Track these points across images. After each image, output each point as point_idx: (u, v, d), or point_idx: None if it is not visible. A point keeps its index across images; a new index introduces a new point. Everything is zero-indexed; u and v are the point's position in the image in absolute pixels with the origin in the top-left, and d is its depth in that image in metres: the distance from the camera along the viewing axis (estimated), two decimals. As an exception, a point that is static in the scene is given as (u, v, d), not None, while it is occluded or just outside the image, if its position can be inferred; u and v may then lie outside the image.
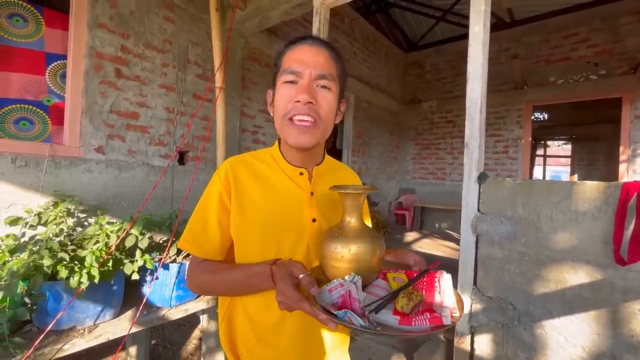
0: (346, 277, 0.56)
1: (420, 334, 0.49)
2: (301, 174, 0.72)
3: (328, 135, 0.71)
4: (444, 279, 0.59)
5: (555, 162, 12.09)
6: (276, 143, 0.77)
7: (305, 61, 0.65)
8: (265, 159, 0.75)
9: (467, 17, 1.67)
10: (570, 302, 1.37)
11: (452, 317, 0.51)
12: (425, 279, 0.61)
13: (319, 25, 2.29)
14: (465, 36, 1.68)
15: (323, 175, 0.76)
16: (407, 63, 6.83)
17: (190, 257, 0.72)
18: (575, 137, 8.51)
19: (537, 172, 9.99)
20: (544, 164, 9.91)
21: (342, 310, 0.48)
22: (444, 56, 6.31)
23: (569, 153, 9.28)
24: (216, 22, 2.27)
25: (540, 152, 9.81)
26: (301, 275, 0.53)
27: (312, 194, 0.72)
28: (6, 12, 1.95)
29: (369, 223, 0.86)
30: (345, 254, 0.58)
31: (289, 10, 2.77)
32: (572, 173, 8.72)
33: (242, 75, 3.40)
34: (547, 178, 10.48)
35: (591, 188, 1.33)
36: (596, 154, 8.13)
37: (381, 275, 0.64)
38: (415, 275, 0.62)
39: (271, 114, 0.73)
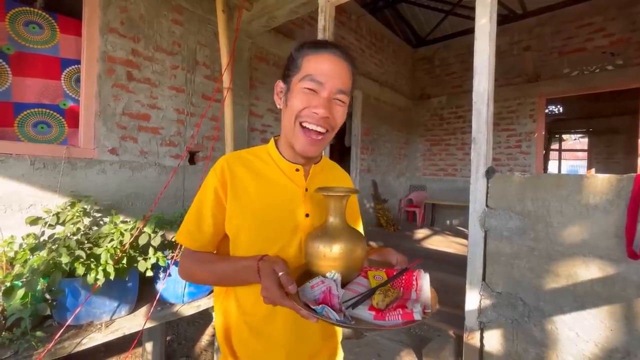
0: (327, 275, 0.60)
1: (393, 328, 0.53)
2: (297, 170, 0.74)
3: (330, 141, 0.74)
4: (421, 278, 0.62)
5: (572, 156, 11.78)
6: (272, 140, 0.78)
7: (330, 74, 0.66)
8: (261, 156, 0.76)
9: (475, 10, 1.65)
10: (581, 297, 1.35)
11: (424, 312, 0.54)
12: (404, 277, 0.64)
13: (324, 23, 2.29)
14: (474, 29, 1.66)
15: (319, 173, 0.78)
16: (415, 59, 6.76)
17: (184, 248, 0.75)
18: (592, 130, 8.27)
19: (553, 167, 9.75)
20: (560, 158, 9.66)
21: (320, 306, 0.51)
22: (453, 50, 6.22)
23: (585, 147, 9.02)
24: (223, 23, 2.30)
25: (555, 146, 9.56)
26: (280, 274, 0.55)
27: (306, 190, 0.73)
28: (23, 20, 2.03)
29: (359, 222, 0.89)
30: (327, 253, 0.61)
31: (294, 9, 2.79)
32: (589, 167, 8.48)
33: (250, 74, 3.44)
34: (564, 172, 10.21)
35: (602, 181, 1.31)
36: (614, 147, 7.88)
37: (362, 273, 0.67)
38: (394, 273, 0.65)
39: (278, 105, 0.73)
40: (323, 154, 0.83)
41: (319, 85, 0.66)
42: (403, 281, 0.63)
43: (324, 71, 0.66)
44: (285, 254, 0.69)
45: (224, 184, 0.70)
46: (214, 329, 2.47)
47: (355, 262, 0.63)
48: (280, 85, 0.73)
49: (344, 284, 0.61)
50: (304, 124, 0.67)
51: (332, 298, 0.55)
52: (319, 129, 0.66)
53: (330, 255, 0.61)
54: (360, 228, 0.88)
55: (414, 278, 0.63)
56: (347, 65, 0.69)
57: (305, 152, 0.68)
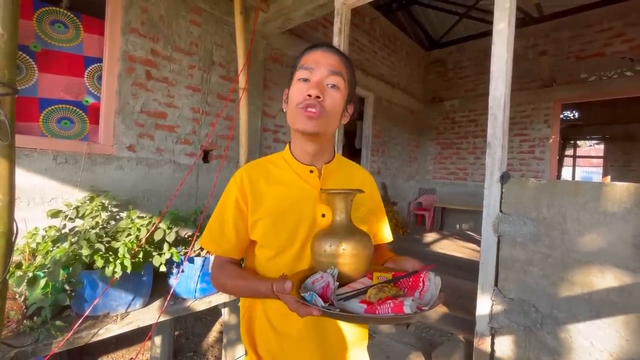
0: (327, 271, 0.61)
1: (384, 322, 0.52)
2: (311, 171, 0.77)
3: (332, 129, 0.76)
4: (428, 279, 0.61)
5: (587, 163, 11.51)
6: (287, 146, 0.82)
7: (319, 60, 0.72)
8: (277, 162, 0.81)
9: (491, 13, 1.64)
10: (597, 306, 1.33)
11: (419, 308, 0.52)
12: (411, 279, 0.63)
13: (340, 26, 2.31)
14: (489, 33, 1.66)
15: (332, 173, 0.80)
16: (428, 61, 6.72)
17: (214, 256, 0.79)
18: (608, 136, 8.09)
19: (566, 173, 9.56)
20: (574, 165, 9.47)
21: (309, 293, 0.53)
22: (467, 54, 6.16)
23: (601, 153, 8.83)
24: (240, 24, 2.34)
25: (569, 152, 9.38)
26: (274, 286, 0.58)
27: (321, 190, 0.75)
28: (49, 19, 2.11)
29: (385, 229, 0.89)
30: (327, 249, 0.63)
31: (310, 12, 2.81)
32: (604, 174, 8.30)
33: (264, 75, 3.48)
34: (578, 179, 10.00)
35: (621, 189, 1.29)
36: (632, 155, 7.70)
37: (369, 274, 0.67)
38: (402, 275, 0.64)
39: (284, 110, 0.79)
40: (335, 153, 0.84)
41: (310, 72, 0.72)
42: (410, 282, 0.62)
43: (314, 59, 0.73)
44: (303, 254, 0.72)
45: (244, 193, 0.74)
46: (221, 325, 2.51)
47: (358, 260, 0.64)
48: (286, 92, 0.79)
49: (347, 283, 0.62)
50: (300, 107, 0.71)
51: (328, 291, 0.57)
52: (313, 109, 0.70)
53: (331, 252, 0.62)
54: (386, 226, 0.89)
55: (421, 279, 0.61)
56: (337, 56, 0.75)
57: (305, 129, 0.71)
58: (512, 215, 1.56)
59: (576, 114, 7.84)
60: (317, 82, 0.71)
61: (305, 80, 0.72)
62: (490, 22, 1.65)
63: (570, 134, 8.52)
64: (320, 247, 0.63)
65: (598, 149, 9.90)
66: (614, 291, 1.30)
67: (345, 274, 0.62)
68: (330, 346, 0.74)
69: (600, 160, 8.79)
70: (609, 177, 7.99)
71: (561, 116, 5.33)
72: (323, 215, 0.73)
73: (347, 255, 0.62)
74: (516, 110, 5.33)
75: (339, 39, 2.30)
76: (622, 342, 1.28)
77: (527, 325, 1.49)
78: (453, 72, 6.37)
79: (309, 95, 0.69)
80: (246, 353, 0.79)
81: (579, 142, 9.70)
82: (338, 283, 0.60)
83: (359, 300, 0.56)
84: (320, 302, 0.51)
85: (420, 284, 0.60)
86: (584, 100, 5.04)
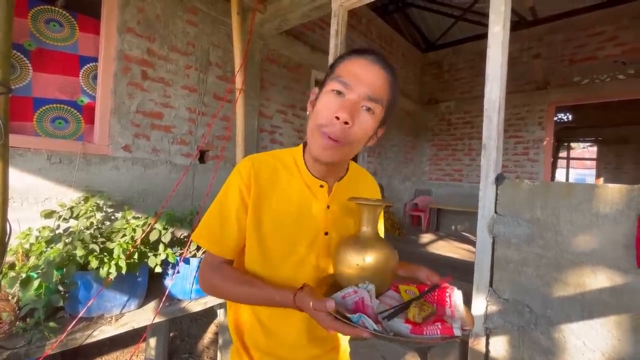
0: (360, 285, 0.57)
1: (432, 343, 0.51)
2: (321, 186, 0.71)
3: (353, 155, 0.68)
4: (455, 295, 0.60)
5: (580, 165, 11.67)
6: (301, 147, 0.74)
7: (361, 77, 0.61)
8: (287, 163, 0.73)
9: (487, 16, 1.66)
10: (589, 306, 1.35)
11: (462, 329, 0.52)
12: (436, 293, 0.62)
13: (337, 27, 2.32)
14: (485, 35, 1.67)
15: (343, 189, 0.74)
16: (424, 63, 6.76)
17: (205, 255, 0.72)
18: (601, 139, 8.20)
19: (560, 175, 9.67)
20: (567, 167, 9.57)
21: (357, 314, 0.49)
22: (462, 56, 6.21)
23: (594, 155, 8.94)
24: (237, 25, 2.34)
25: (563, 154, 9.48)
26: (311, 303, 0.52)
27: (328, 207, 0.71)
28: (44, 17, 2.09)
29: (382, 229, 0.87)
30: (359, 262, 0.59)
31: (307, 13, 2.82)
32: (597, 176, 8.40)
33: (261, 76, 3.48)
34: (571, 181, 10.11)
35: (613, 191, 1.31)
36: (624, 157, 7.80)
37: (393, 287, 0.65)
38: (425, 289, 0.63)
39: (308, 112, 0.69)
40: (348, 165, 0.78)
41: (346, 88, 0.61)
42: (435, 297, 0.61)
43: (354, 74, 0.61)
44: (302, 266, 0.69)
45: (249, 187, 0.68)
46: (217, 326, 2.50)
47: (387, 274, 0.62)
48: (314, 91, 0.69)
49: (375, 296, 0.60)
50: (322, 130, 0.62)
51: (365, 309, 0.53)
52: (335, 137, 0.61)
53: (363, 265, 0.59)
54: (381, 227, 0.87)
55: (447, 295, 0.60)
56: (384, 73, 0.63)
57: (320, 157, 0.64)
58: (506, 217, 1.57)
59: (570, 117, 7.93)
60: (351, 103, 0.60)
61: (339, 93, 0.61)
62: (486, 25, 1.67)
63: (563, 136, 8.61)
64: (351, 259, 0.60)
65: (591, 151, 10.04)
66: (605, 291, 1.32)
67: (374, 286, 0.59)
68: (318, 345, 0.73)
69: (594, 163, 8.90)
70: (602, 179, 8.10)
71: (555, 118, 5.40)
72: (326, 234, 0.70)
73: (379, 269, 0.60)
74: (511, 112, 5.39)
75: (336, 41, 2.31)
76: (614, 342, 1.30)
77: (521, 326, 1.51)
78: (449, 74, 6.41)
79: (337, 118, 0.60)
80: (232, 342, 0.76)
81: (572, 144, 9.82)
82: (378, 302, 0.57)
83: (402, 320, 0.54)
84: (371, 324, 0.47)
85: (447, 299, 0.60)
86: (577, 103, 5.10)
